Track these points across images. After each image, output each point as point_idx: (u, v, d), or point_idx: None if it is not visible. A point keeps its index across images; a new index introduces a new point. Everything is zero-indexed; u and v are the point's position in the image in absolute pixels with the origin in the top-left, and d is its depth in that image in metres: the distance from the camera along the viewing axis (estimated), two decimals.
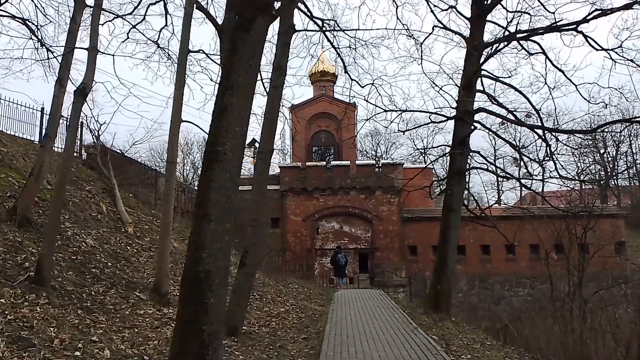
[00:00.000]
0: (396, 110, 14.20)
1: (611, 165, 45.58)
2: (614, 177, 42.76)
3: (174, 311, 8.91)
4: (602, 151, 45.01)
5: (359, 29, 32.54)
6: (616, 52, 14.38)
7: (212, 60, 12.76)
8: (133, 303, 8.54)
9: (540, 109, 14.79)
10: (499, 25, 15.18)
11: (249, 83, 4.62)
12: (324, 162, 31.20)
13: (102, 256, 10.06)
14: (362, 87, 16.10)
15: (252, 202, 8.56)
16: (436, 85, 13.51)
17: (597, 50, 14.68)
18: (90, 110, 15.81)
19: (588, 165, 45.83)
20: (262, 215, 8.55)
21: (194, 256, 4.26)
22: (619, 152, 45.67)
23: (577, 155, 39.14)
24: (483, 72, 15.10)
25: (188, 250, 4.41)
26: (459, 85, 14.80)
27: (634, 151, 45.51)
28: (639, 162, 42.76)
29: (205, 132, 10.33)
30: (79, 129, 17.25)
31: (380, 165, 30.67)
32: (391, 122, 14.47)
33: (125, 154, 18.32)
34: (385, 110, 14.23)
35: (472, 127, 13.79)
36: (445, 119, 14.43)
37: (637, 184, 47.06)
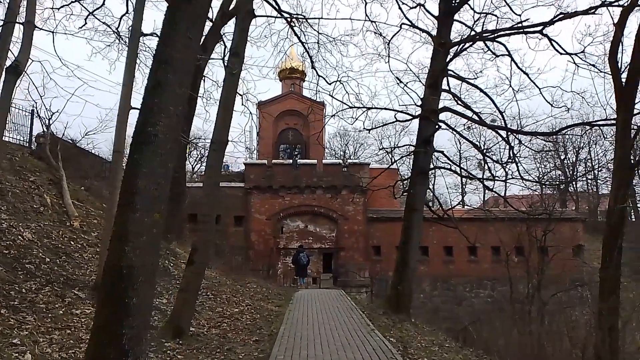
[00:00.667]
0: (362, 107, 13.93)
1: (571, 171, 46.89)
2: (574, 182, 44.00)
3: None
4: (562, 157, 46.27)
5: (323, 18, 32.03)
6: (579, 57, 14.58)
7: None
8: (69, 302, 7.87)
9: (504, 111, 14.83)
10: (466, 25, 15.12)
11: (187, 58, 4.13)
12: (291, 160, 30.74)
13: (39, 251, 9.29)
14: (329, 83, 15.77)
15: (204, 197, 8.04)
16: (401, 82, 13.28)
17: (561, 54, 14.79)
18: (41, 97, 14.86)
19: (549, 170, 47.08)
20: (215, 210, 8.03)
21: (116, 250, 3.76)
22: (578, 158, 47.04)
23: (539, 160, 40.06)
24: (449, 72, 15.01)
25: (110, 243, 3.90)
26: (425, 84, 14.65)
27: (592, 157, 46.97)
28: (597, 168, 44.05)
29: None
30: (31, 117, 16.27)
31: (347, 164, 30.42)
32: (356, 119, 14.08)
33: (77, 144, 17.38)
34: (351, 107, 13.94)
35: (437, 126, 13.64)
36: (410, 117, 14.24)
37: (595, 190, 48.64)
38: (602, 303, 9.55)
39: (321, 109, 32.26)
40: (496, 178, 13.60)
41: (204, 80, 16.59)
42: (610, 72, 10.15)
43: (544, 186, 35.18)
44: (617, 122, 9.54)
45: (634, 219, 48.71)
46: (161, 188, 3.90)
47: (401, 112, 13.81)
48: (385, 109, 13.93)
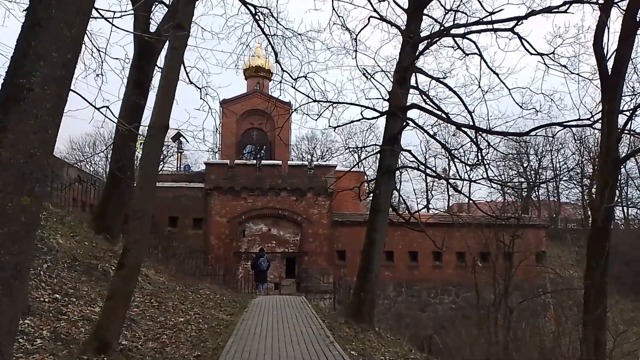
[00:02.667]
0: (326, 102, 13.08)
1: (533, 178, 47.59)
2: (538, 187, 44.66)
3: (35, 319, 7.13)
4: (525, 164, 46.94)
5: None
6: (550, 57, 14.23)
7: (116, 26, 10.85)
8: None
9: (473, 111, 14.31)
10: (435, 21, 14.54)
11: None
12: (255, 161, 29.59)
13: None
14: (294, 79, 14.88)
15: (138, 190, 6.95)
16: (368, 73, 12.48)
17: (531, 54, 14.41)
18: None
19: (512, 177, 47.62)
20: (150, 205, 6.94)
21: None
22: (541, 166, 47.84)
23: (502, 167, 40.40)
24: (418, 69, 14.39)
25: None
26: (392, 80, 13.95)
27: (555, 165, 47.88)
28: (559, 175, 44.87)
29: (90, 102, 8.52)
30: None
31: (312, 166, 29.52)
32: (320, 115, 13.22)
33: None
34: (315, 101, 13.08)
35: (405, 123, 12.93)
36: (377, 114, 13.48)
37: (555, 198, 49.62)
38: (586, 314, 8.93)
39: (287, 109, 31.33)
40: (463, 179, 12.98)
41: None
42: (594, 63, 9.47)
43: (509, 190, 35.39)
44: (603, 113, 9.04)
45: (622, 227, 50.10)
46: (35, 162, 2.86)
47: (368, 107, 13.04)
48: (352, 104, 13.15)
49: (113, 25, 8.99)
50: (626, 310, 27.41)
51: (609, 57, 9.43)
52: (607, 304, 9.01)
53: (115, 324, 6.75)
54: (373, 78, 12.27)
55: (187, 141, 38.85)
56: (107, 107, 8.38)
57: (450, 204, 50.34)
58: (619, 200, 41.59)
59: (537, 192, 46.18)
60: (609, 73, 9.17)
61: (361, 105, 13.04)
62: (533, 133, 12.51)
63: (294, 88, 13.30)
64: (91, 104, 8.34)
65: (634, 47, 9.10)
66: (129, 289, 6.86)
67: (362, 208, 31.05)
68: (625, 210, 47.51)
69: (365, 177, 27.77)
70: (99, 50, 8.51)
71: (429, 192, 51.22)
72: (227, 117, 31.57)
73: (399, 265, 29.12)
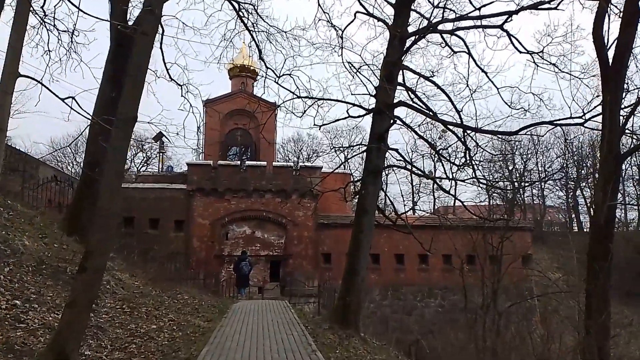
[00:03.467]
0: (311, 98, 12.59)
1: (518, 181, 47.66)
2: (522, 190, 44.71)
3: None
4: (510, 167, 47.01)
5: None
6: (539, 56, 13.98)
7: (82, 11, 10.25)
8: None
9: (461, 110, 13.95)
10: (423, 17, 14.16)
11: None
12: (239, 162, 28.95)
13: None
14: (278, 77, 14.39)
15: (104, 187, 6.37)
16: (353, 67, 12.02)
17: (520, 52, 14.14)
18: None
19: (497, 180, 47.63)
20: (116, 203, 6.36)
21: None
22: (526, 168, 47.96)
23: (489, 170, 40.31)
24: (405, 67, 14.01)
25: None
26: (379, 77, 13.53)
27: (539, 168, 48.09)
28: (544, 178, 45.01)
29: (53, 93, 7.89)
30: None
31: (298, 168, 28.98)
32: (304, 112, 12.74)
33: None
34: (299, 97, 12.58)
35: (392, 121, 12.49)
36: (364, 112, 13.02)
37: (540, 201, 49.80)
38: (589, 319, 8.45)
39: (272, 109, 30.78)
40: (450, 178, 12.58)
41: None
42: (595, 54, 9.01)
43: (495, 192, 35.26)
44: (604, 105, 8.66)
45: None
46: None
47: (354, 104, 12.56)
48: (338, 100, 12.67)
49: (79, 9, 8.40)
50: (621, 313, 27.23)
51: (610, 46, 9.10)
52: (610, 309, 8.54)
53: (75, 333, 6.15)
54: (359, 73, 11.82)
55: (170, 141, 38.03)
56: (73, 97, 7.80)
57: (436, 207, 50.25)
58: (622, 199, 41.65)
59: (522, 195, 46.21)
60: (610, 63, 8.81)
61: (347, 102, 12.57)
62: (523, 132, 12.15)
63: (277, 83, 12.84)
64: (54, 94, 7.74)
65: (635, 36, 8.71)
66: (91, 294, 6.26)
67: (348, 210, 30.61)
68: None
69: (352, 178, 27.30)
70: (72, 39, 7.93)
71: (414, 194, 51.10)
72: (211, 117, 30.92)
73: (385, 268, 28.73)
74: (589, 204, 50.67)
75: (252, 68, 35.39)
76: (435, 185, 46.37)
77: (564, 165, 46.41)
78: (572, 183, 49.79)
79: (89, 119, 7.86)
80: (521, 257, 28.54)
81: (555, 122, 11.68)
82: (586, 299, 8.68)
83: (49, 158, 38.16)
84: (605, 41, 9.11)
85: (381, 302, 28.78)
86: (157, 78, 11.56)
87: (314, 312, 17.47)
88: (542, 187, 47.42)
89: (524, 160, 47.28)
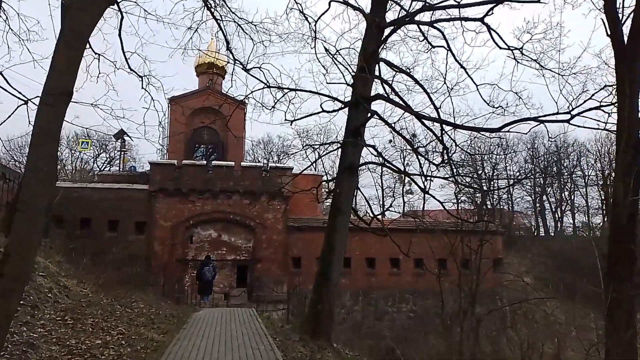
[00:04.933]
0: (282, 88, 11.62)
1: (487, 186, 47.95)
2: (491, 194, 44.92)
3: None
4: (479, 171, 47.23)
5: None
6: (521, 51, 13.50)
7: None
8: None
9: (440, 107, 13.28)
10: (402, 7, 13.43)
11: None
12: (205, 162, 27.60)
13: None
14: (247, 70, 13.35)
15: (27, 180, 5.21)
16: (331, 54, 11.12)
17: (500, 48, 13.63)
18: None
19: (470, 182, 47.73)
20: (43, 195, 5.21)
21: None
22: (495, 174, 48.30)
23: (462, 171, 40.22)
24: (382, 60, 13.24)
25: None
26: (356, 69, 12.69)
27: (508, 173, 48.55)
28: (517, 178, 45.42)
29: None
30: None
31: (267, 168, 27.85)
32: (275, 103, 11.76)
33: None
34: (269, 87, 11.59)
35: (369, 115, 11.65)
36: (341, 105, 12.11)
37: (509, 206, 50.31)
38: (613, 334, 7.50)
39: (241, 108, 29.58)
40: (430, 175, 11.86)
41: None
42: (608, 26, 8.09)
43: (467, 195, 35.13)
44: (619, 89, 7.99)
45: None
46: None
47: (329, 96, 11.66)
48: (311, 92, 11.71)
49: None
50: None
51: (624, 21, 8.50)
52: (635, 319, 7.70)
53: None
54: (335, 59, 10.92)
55: (132, 139, 36.20)
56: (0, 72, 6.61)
57: (406, 210, 49.97)
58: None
59: (491, 199, 46.45)
60: (626, 40, 8.19)
61: (321, 94, 11.64)
62: (506, 129, 11.57)
63: (246, 71, 11.79)
64: None
65: None
66: (10, 307, 5.05)
67: (319, 213, 29.70)
68: None
69: (327, 176, 26.39)
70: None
71: (384, 197, 50.68)
72: (176, 114, 29.43)
73: (356, 272, 27.94)
74: (554, 208, 51.68)
75: (220, 65, 34.08)
76: (407, 187, 46.12)
77: (533, 169, 46.97)
78: (539, 188, 50.61)
79: (20, 98, 6.68)
80: (492, 261, 28.35)
81: (540, 119, 11.11)
82: (607, 310, 7.85)
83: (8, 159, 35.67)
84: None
85: (352, 307, 27.97)
86: (116, 69, 10.33)
87: (283, 320, 16.42)
88: (511, 191, 47.89)
89: (493, 164, 47.68)
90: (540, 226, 52.67)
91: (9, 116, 6.67)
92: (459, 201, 43.57)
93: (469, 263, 22.86)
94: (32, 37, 8.62)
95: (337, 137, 46.83)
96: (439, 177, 11.95)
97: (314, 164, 16.79)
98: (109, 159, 49.49)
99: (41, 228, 5.27)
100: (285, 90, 11.94)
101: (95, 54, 9.98)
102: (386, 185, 51.14)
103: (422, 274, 27.80)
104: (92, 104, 6.68)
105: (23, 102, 6.59)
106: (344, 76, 11.68)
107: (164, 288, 20.63)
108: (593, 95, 10.13)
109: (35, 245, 5.32)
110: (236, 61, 14.01)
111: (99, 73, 9.66)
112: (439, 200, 12.47)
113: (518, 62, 13.58)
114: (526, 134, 12.45)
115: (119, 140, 33.94)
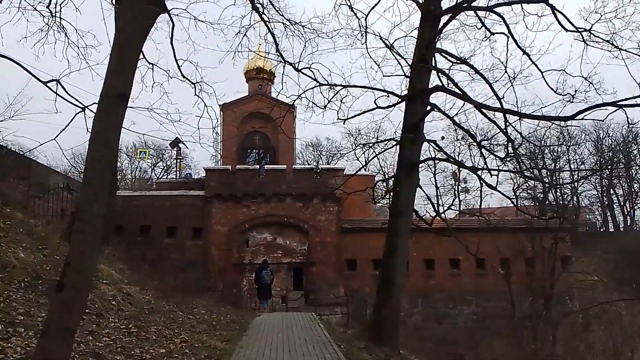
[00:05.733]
0: (334, 85, 11.21)
1: (551, 180, 45.32)
2: (559, 189, 42.37)
3: None
4: (540, 164, 44.73)
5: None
6: (590, 33, 12.46)
7: None
8: None
9: (502, 97, 12.41)
10: None
11: None
12: (257, 166, 27.71)
13: None
14: (298, 70, 13.08)
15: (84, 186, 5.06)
16: (389, 42, 10.59)
17: (567, 30, 12.63)
18: None
19: (525, 181, 45.44)
20: (101, 204, 5.04)
21: None
22: (557, 167, 45.60)
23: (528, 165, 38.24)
24: (439, 50, 12.54)
25: None
26: (411, 62, 12.09)
27: (571, 164, 45.77)
28: (576, 179, 42.61)
29: (32, 74, 6.66)
30: None
31: (319, 170, 27.56)
32: (327, 104, 11.36)
33: None
34: (321, 84, 11.22)
35: (428, 108, 11.00)
36: (397, 100, 11.54)
37: (574, 200, 47.33)
38: None
39: (291, 112, 29.52)
40: (500, 169, 11.05)
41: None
42: None
43: (523, 193, 33.34)
44: None
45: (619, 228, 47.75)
46: None
47: (383, 91, 11.13)
48: (364, 87, 11.24)
49: None
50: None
51: None
52: None
53: None
54: (393, 48, 10.36)
55: (187, 147, 37.05)
56: (57, 81, 6.55)
57: (461, 208, 48.00)
58: None
59: (554, 194, 43.75)
60: None
61: (375, 89, 11.15)
62: (580, 116, 10.53)
63: (297, 70, 11.48)
64: (35, 76, 6.51)
65: None
66: (72, 319, 4.92)
67: (372, 214, 29.05)
68: None
69: (383, 175, 25.66)
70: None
71: (439, 196, 49.02)
72: (228, 120, 29.80)
73: (414, 274, 26.97)
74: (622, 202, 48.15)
75: (268, 69, 34.22)
76: (462, 185, 44.47)
77: (599, 161, 43.94)
78: (606, 180, 47.30)
79: (78, 106, 6.64)
80: (561, 259, 26.61)
81: (619, 103, 10.06)
82: None
83: (60, 164, 37.49)
84: None
85: (411, 310, 27.02)
86: (169, 78, 10.31)
87: (343, 324, 15.96)
88: (576, 185, 44.96)
89: (554, 156, 45.00)
90: (609, 221, 49.23)
91: (68, 123, 6.63)
92: (518, 197, 41.39)
93: (533, 262, 21.50)
94: (88, 52, 8.67)
95: (391, 134, 45.74)
96: (507, 171, 11.07)
97: (367, 165, 16.09)
98: (165, 167, 51.06)
99: (100, 235, 5.10)
100: (337, 88, 11.55)
101: (150, 63, 9.96)
102: (439, 184, 49.47)
103: (484, 274, 26.51)
104: (147, 108, 6.53)
105: (80, 110, 6.53)
106: (401, 67, 11.12)
107: (223, 293, 20.71)
108: None
109: (95, 253, 5.17)
110: (286, 62, 13.84)
111: (154, 82, 9.59)
112: (508, 197, 11.63)
113: (587, 44, 12.55)
114: (603, 120, 11.34)
115: (175, 148, 34.81)
